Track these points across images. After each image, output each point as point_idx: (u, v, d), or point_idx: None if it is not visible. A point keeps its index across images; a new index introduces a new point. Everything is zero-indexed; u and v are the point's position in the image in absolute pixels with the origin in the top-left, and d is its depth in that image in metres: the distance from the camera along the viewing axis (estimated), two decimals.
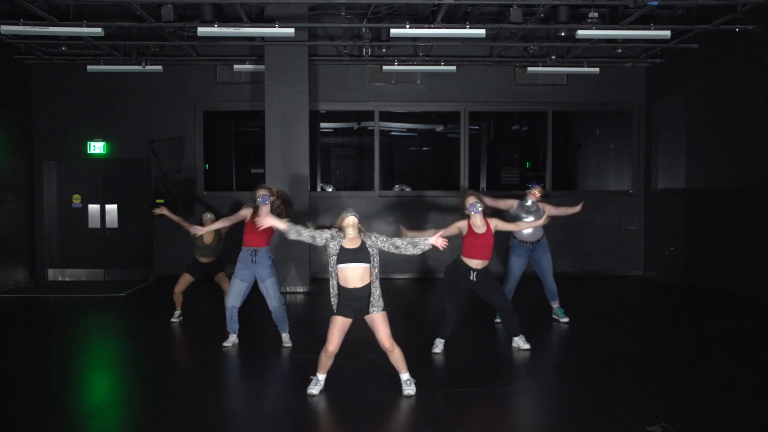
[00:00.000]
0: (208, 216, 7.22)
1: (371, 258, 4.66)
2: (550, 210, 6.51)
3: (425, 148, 12.55)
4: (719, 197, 9.19)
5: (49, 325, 7.60)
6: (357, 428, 4.20)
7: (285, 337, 6.25)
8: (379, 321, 4.67)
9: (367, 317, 4.70)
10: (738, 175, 8.80)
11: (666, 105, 10.54)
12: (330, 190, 11.30)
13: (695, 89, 9.74)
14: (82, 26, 8.09)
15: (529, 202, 6.86)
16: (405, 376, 4.78)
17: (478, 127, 11.69)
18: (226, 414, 4.49)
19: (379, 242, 4.69)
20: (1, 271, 9.72)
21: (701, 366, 5.42)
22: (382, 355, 5.10)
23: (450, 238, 5.02)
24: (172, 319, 7.35)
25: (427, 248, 4.69)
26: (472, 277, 5.78)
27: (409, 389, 4.71)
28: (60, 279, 10.88)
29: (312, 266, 10.12)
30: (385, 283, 10.21)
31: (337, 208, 10.59)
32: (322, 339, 6.49)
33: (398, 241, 4.71)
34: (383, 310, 4.70)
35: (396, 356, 4.73)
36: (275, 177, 9.44)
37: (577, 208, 7.10)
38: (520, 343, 6.02)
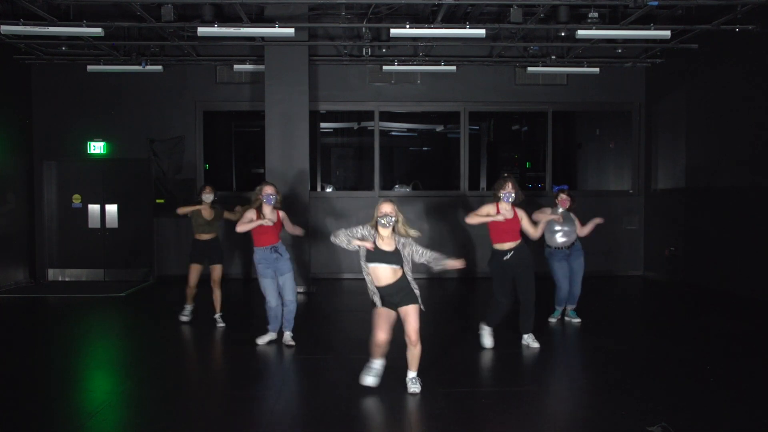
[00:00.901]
0: (208, 196, 7.11)
1: (403, 262, 4.67)
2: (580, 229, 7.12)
3: (425, 148, 12.55)
4: (719, 197, 9.19)
5: (49, 325, 7.59)
6: (357, 428, 4.20)
7: (287, 335, 6.22)
8: (412, 313, 4.68)
9: (401, 308, 4.70)
10: (738, 175, 8.80)
11: (666, 105, 10.54)
12: (330, 190, 11.30)
13: (695, 89, 9.74)
14: (82, 26, 8.09)
15: (560, 210, 6.93)
16: (412, 374, 4.80)
17: (478, 127, 11.69)
18: (226, 414, 4.49)
19: (415, 256, 4.73)
20: (1, 271, 9.72)
21: (701, 366, 5.42)
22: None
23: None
24: (183, 315, 7.19)
25: (442, 267, 4.85)
26: (508, 256, 5.84)
27: (414, 387, 4.73)
28: (60, 279, 10.88)
29: (312, 266, 10.13)
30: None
31: (337, 208, 10.62)
32: (322, 339, 6.52)
33: (429, 255, 4.78)
34: (417, 303, 4.73)
35: (416, 352, 4.74)
36: (275, 177, 9.44)
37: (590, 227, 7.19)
38: (529, 341, 6.06)
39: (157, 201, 10.62)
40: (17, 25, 8.00)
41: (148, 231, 10.75)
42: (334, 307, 8.59)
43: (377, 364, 4.84)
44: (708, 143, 9.47)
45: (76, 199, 10.90)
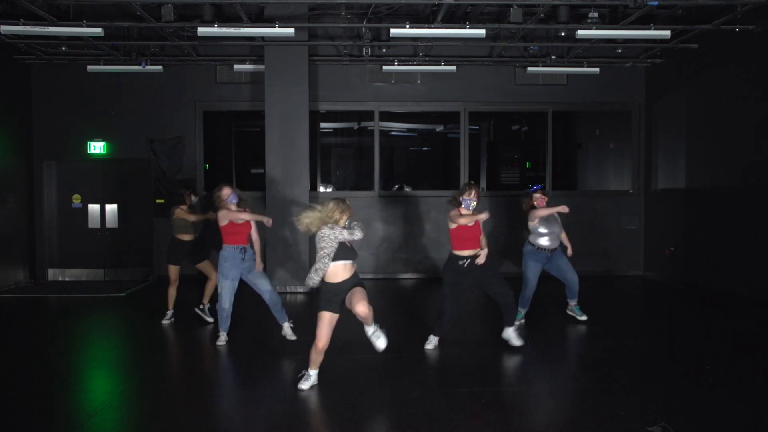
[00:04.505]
0: (195, 199, 7.39)
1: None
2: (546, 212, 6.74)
3: (425, 148, 12.55)
4: (719, 197, 9.19)
5: (49, 325, 7.60)
6: (356, 428, 4.20)
7: (287, 327, 6.30)
8: (358, 291, 4.74)
9: (347, 294, 4.78)
10: (738, 175, 8.80)
11: (666, 105, 10.54)
12: (330, 190, 11.29)
13: (695, 89, 9.74)
14: (82, 26, 8.09)
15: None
16: (371, 329, 4.90)
17: (478, 127, 11.69)
18: (226, 414, 4.50)
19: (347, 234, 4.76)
20: (1, 271, 9.72)
21: (701, 366, 5.43)
22: (379, 355, 5.11)
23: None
24: (164, 321, 7.22)
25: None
26: (465, 264, 5.84)
27: (380, 341, 4.87)
28: (60, 279, 10.88)
29: (311, 266, 10.10)
30: (389, 283, 10.22)
31: None
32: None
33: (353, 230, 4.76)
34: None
35: (369, 315, 4.81)
36: (275, 177, 9.45)
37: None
38: (512, 336, 6.00)
39: (157, 201, 10.62)
40: (17, 25, 8.00)
41: (148, 231, 10.76)
42: None
43: (314, 373, 4.87)
44: (708, 143, 9.47)
45: (76, 199, 10.90)
